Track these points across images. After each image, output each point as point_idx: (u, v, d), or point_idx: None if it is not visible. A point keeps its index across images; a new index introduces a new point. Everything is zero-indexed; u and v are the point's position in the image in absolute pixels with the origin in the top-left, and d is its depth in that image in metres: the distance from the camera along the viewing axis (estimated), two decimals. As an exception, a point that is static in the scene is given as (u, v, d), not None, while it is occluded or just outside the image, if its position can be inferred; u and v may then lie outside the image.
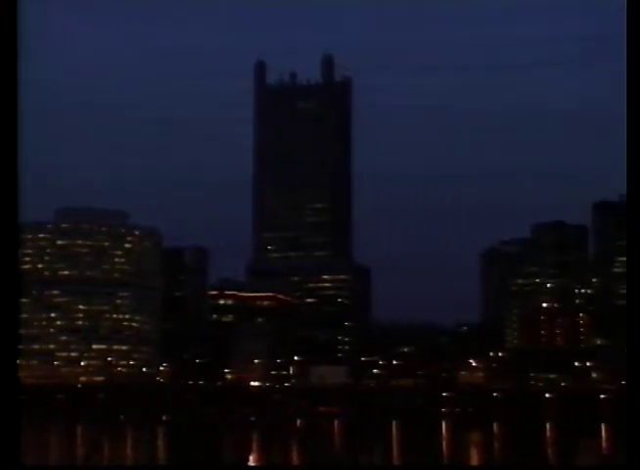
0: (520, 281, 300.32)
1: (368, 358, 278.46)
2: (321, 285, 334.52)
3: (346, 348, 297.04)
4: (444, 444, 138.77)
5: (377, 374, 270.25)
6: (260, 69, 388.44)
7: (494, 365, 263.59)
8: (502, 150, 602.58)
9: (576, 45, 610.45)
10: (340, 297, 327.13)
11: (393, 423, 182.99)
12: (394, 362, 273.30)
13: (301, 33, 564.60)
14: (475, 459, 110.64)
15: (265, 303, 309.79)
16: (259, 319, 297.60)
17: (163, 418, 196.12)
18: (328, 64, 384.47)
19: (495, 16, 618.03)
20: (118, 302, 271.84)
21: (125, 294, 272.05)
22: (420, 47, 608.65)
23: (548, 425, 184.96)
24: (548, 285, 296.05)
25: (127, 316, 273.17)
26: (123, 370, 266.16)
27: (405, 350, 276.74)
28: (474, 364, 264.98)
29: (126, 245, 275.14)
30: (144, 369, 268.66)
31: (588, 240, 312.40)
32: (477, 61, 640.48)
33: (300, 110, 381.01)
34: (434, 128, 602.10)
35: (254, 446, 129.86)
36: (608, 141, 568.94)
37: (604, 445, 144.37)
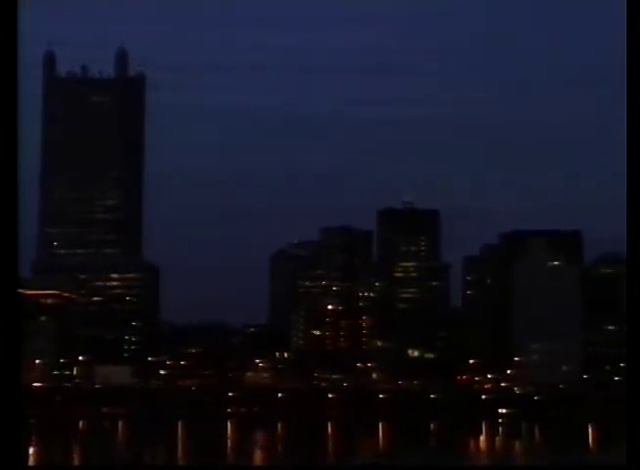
0: (307, 283, 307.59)
1: (155, 359, 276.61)
2: (109, 283, 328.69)
3: (133, 348, 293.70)
4: (229, 443, 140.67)
5: (164, 374, 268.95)
6: (50, 60, 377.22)
7: (280, 366, 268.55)
8: (297, 151, 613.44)
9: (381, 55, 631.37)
10: (128, 296, 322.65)
11: (179, 423, 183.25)
12: (182, 363, 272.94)
13: (101, 26, 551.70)
14: (258, 459, 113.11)
15: (49, 300, 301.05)
16: (42, 317, 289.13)
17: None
18: (122, 58, 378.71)
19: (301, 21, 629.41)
20: None
21: None
22: (221, 47, 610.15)
23: (330, 424, 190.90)
24: (334, 288, 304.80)
25: None
26: None
27: (193, 350, 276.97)
28: (260, 365, 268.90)
29: None
30: None
31: (373, 245, 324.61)
32: (275, 63, 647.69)
33: (92, 103, 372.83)
34: (232, 129, 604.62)
35: (34, 448, 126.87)
36: (400, 150, 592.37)
37: (381, 442, 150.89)
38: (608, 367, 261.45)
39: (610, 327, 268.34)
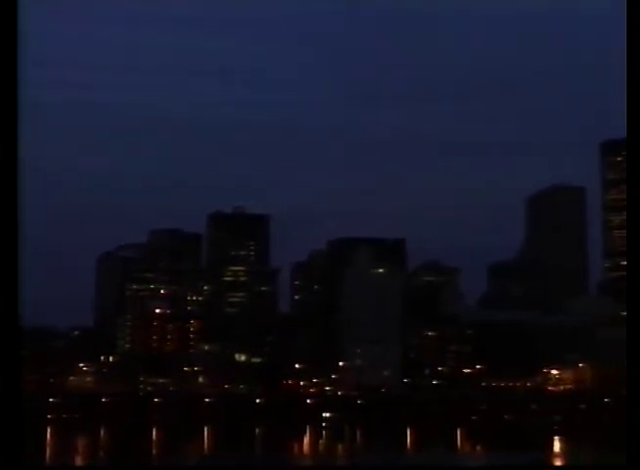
0: (134, 286, 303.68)
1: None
2: None
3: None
4: (48, 450, 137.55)
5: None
6: None
7: (105, 370, 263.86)
8: (129, 152, 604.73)
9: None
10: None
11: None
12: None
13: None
14: (80, 463, 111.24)
15: None
16: None
17: None
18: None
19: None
20: None
21: None
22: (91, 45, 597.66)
23: (155, 428, 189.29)
24: (162, 291, 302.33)
25: None
26: None
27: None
28: (84, 369, 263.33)
29: None
30: None
31: (202, 249, 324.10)
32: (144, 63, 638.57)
33: None
34: (68, 127, 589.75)
35: None
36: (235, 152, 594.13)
37: (206, 445, 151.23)
38: (427, 371, 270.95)
39: (429, 333, 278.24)
